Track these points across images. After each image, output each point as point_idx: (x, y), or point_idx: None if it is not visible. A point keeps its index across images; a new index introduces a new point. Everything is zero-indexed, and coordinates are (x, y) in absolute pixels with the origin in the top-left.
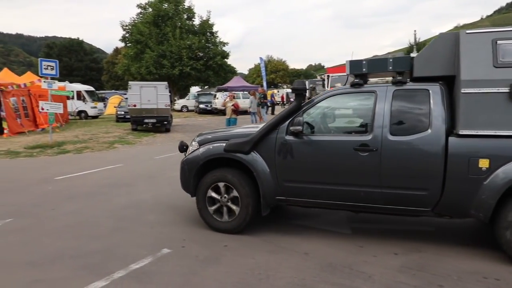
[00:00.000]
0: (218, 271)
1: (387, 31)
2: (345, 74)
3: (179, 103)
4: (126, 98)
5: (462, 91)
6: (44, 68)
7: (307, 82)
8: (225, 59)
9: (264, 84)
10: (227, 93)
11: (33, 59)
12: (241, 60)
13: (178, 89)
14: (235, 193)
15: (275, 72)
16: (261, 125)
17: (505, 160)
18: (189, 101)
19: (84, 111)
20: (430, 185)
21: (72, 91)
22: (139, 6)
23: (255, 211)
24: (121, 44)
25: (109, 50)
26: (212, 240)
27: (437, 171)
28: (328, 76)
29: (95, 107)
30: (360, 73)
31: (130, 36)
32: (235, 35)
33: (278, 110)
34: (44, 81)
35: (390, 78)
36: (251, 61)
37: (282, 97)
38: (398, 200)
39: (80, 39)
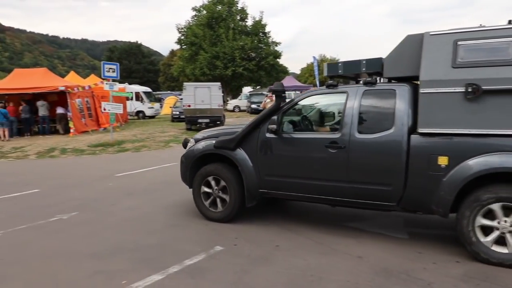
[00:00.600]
0: (269, 271)
1: (448, 27)
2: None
3: (232, 103)
4: (181, 99)
5: (421, 91)
6: (106, 71)
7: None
8: (277, 59)
9: (317, 83)
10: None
11: (96, 62)
12: (293, 60)
13: (231, 90)
14: (223, 183)
15: None
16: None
17: (463, 158)
18: (241, 101)
19: (142, 111)
20: (394, 180)
21: (131, 92)
22: (194, 8)
23: (242, 203)
24: (176, 47)
25: (165, 52)
26: (264, 239)
27: (399, 167)
28: None
29: (152, 108)
30: (336, 74)
31: (185, 38)
32: (287, 34)
33: None
34: (106, 83)
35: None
36: (303, 60)
37: None
38: (366, 194)
39: (139, 42)
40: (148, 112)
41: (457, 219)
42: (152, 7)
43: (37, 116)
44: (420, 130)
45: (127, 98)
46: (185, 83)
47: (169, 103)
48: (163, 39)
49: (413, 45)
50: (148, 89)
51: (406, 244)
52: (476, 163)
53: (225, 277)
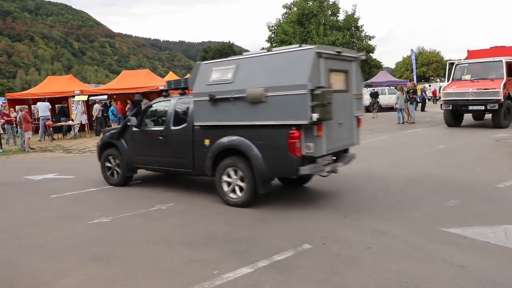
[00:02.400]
0: (360, 273)
1: None
2: (477, 60)
3: None
4: None
5: (193, 99)
6: None
7: None
8: (370, 54)
9: (414, 78)
10: (370, 89)
11: (192, 63)
12: (387, 54)
13: None
14: (118, 161)
15: (426, 64)
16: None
17: (215, 140)
18: None
19: None
20: (188, 155)
21: None
22: (284, 6)
23: (124, 172)
24: (267, 44)
25: (255, 51)
26: (354, 240)
27: (189, 147)
28: (453, 64)
29: None
30: (170, 88)
31: (275, 36)
32: (382, 27)
33: (430, 106)
34: None
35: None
36: (399, 54)
37: (434, 92)
38: (178, 164)
39: (231, 42)
40: None
41: (215, 179)
42: (244, 7)
43: None
44: (195, 124)
45: None
46: None
47: None
48: (253, 38)
49: (195, 70)
50: None
51: None
52: (218, 143)
53: (314, 276)
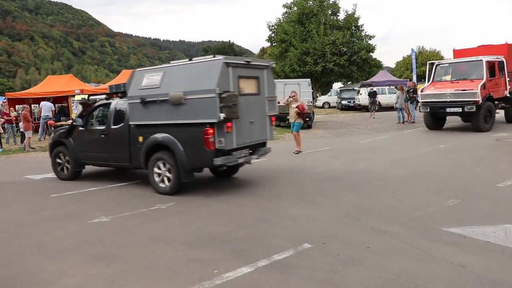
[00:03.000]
0: (360, 273)
1: None
2: (458, 60)
3: (321, 99)
4: None
5: (128, 102)
6: None
7: None
8: (370, 53)
9: (414, 77)
10: (368, 88)
11: None
12: (388, 53)
13: (321, 86)
14: (67, 157)
15: (426, 64)
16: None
17: (147, 137)
18: (331, 98)
19: None
20: (125, 151)
21: None
22: (284, 6)
23: (73, 167)
24: (267, 44)
25: (255, 50)
26: (354, 240)
27: (126, 143)
28: (433, 64)
29: None
30: (112, 92)
31: (276, 35)
32: (382, 27)
33: None
34: None
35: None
36: (399, 54)
37: None
38: (119, 159)
39: (231, 41)
40: None
41: (148, 171)
42: (244, 7)
43: None
44: (130, 123)
45: None
46: (274, 80)
47: None
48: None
49: (131, 76)
50: None
51: None
52: (150, 139)
53: (314, 275)
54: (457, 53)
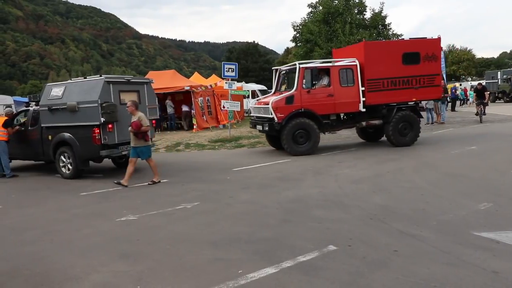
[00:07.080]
0: (387, 276)
1: None
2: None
3: None
4: None
5: (40, 109)
6: (226, 71)
7: (499, 73)
8: None
9: (444, 76)
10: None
11: (217, 63)
12: None
13: None
14: None
15: (457, 63)
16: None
17: (54, 136)
18: None
19: None
20: (39, 148)
21: (248, 90)
22: (309, 5)
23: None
24: (291, 44)
25: (280, 51)
26: (381, 242)
27: (40, 141)
28: (277, 70)
29: None
30: (31, 101)
31: (300, 36)
32: (410, 25)
33: (460, 106)
34: (226, 82)
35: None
36: None
37: (465, 91)
38: (36, 154)
39: (255, 42)
40: None
41: (56, 161)
42: (269, 7)
43: (165, 114)
44: (42, 125)
45: (244, 96)
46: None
47: None
48: (278, 38)
49: (43, 89)
50: (264, 87)
51: None
52: (56, 137)
53: (339, 277)
54: (335, 52)
